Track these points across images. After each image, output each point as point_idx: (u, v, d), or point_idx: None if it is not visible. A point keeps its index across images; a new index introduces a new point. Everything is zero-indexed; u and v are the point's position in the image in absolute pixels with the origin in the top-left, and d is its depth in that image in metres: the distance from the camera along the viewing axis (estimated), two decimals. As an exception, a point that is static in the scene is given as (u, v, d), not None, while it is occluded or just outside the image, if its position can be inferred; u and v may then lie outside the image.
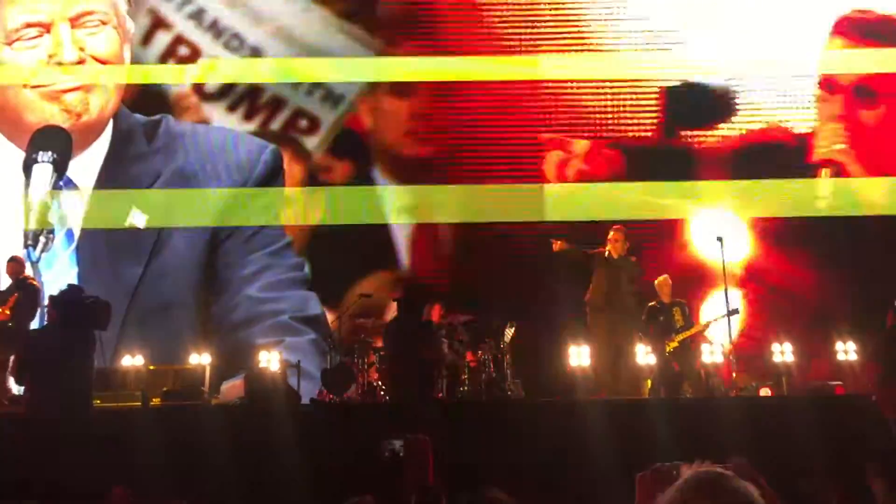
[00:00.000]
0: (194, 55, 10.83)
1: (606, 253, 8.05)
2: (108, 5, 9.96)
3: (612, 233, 8.21)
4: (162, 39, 10.77)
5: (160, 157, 10.16)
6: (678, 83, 10.74)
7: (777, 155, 10.47)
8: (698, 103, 10.68)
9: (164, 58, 10.79)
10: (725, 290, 7.83)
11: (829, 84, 10.68)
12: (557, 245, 8.20)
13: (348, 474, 5.48)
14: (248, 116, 10.87)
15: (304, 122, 10.87)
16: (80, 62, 9.86)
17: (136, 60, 10.59)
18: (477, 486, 3.43)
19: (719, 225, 9.52)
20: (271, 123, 10.90)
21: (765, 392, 7.62)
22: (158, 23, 10.73)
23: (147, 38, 10.66)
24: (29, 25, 9.72)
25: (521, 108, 10.83)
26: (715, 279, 8.85)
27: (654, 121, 10.77)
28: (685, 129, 10.73)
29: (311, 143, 10.84)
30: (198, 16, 10.85)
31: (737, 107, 10.68)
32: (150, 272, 9.75)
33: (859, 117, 10.63)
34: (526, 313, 8.73)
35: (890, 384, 5.96)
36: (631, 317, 7.98)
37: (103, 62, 9.99)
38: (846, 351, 7.46)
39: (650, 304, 8.16)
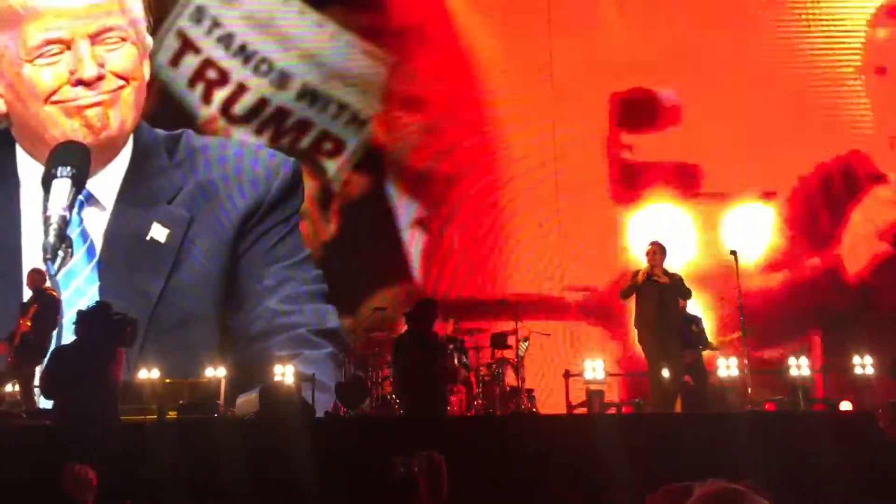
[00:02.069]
0: (223, 79, 10.96)
1: (650, 271, 7.76)
2: (127, 22, 10.08)
3: (649, 247, 7.92)
4: (190, 62, 10.91)
5: (181, 171, 10.24)
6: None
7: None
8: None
9: (193, 81, 10.93)
10: (741, 306, 7.79)
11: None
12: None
13: (362, 489, 5.48)
14: (274, 140, 10.99)
15: (328, 145, 10.97)
16: (101, 78, 9.96)
17: (164, 81, 10.72)
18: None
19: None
20: (298, 146, 11.02)
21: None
22: (187, 46, 10.87)
23: (176, 61, 10.79)
24: (49, 42, 9.84)
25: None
26: None
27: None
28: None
29: (333, 166, 10.93)
30: (226, 40, 10.97)
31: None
32: (170, 286, 9.81)
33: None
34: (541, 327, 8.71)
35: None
36: (680, 334, 7.78)
37: (124, 78, 10.10)
38: (863, 365, 7.38)
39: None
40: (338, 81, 11.04)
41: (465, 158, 10.91)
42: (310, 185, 10.69)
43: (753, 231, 10.50)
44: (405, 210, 10.88)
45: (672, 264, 7.98)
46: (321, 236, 10.77)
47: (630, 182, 10.85)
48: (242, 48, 10.96)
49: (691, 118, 10.91)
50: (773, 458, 5.48)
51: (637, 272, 7.87)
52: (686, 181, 10.79)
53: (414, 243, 10.77)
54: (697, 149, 10.87)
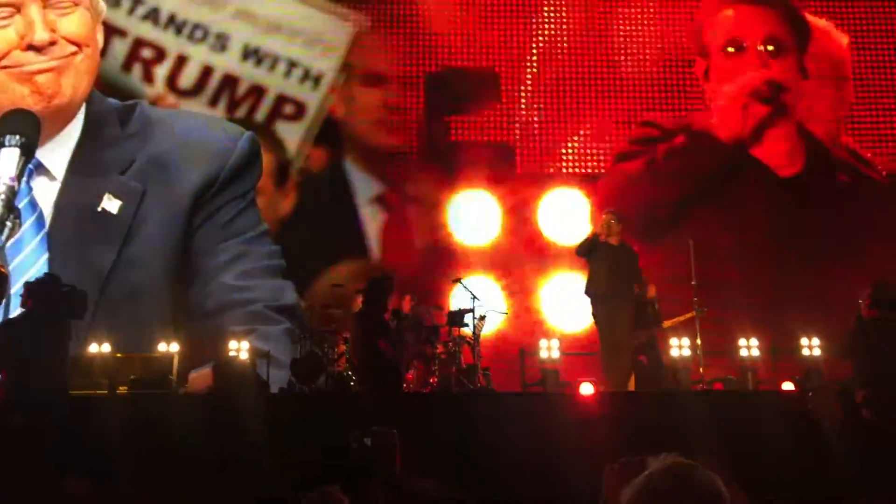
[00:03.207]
0: (160, 55, 10.70)
1: (604, 237, 7.61)
2: (80, -14, 9.81)
3: (605, 216, 7.74)
4: (119, 47, 10.61)
5: (134, 143, 10.03)
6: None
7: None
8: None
9: (128, 64, 10.65)
10: (695, 287, 7.89)
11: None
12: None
13: (316, 465, 5.47)
14: (230, 110, 10.79)
15: (289, 108, 10.79)
16: (52, 43, 9.68)
17: (99, 72, 10.42)
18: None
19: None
20: (256, 114, 10.83)
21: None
22: (110, 31, 10.56)
23: (103, 51, 10.49)
24: (-1, 6, 9.55)
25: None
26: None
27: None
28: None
29: (298, 131, 10.75)
30: (152, 16, 10.70)
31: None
32: (122, 259, 9.63)
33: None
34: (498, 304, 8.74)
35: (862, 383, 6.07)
36: (632, 305, 7.57)
37: (76, 43, 9.83)
38: (811, 347, 7.53)
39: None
40: (279, 35, 10.83)
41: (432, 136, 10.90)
42: (266, 160, 10.55)
43: (569, 215, 10.64)
44: (363, 186, 10.82)
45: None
46: (278, 212, 10.66)
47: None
48: (171, 19, 10.71)
49: (511, 98, 10.92)
50: (722, 436, 5.61)
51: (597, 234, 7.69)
52: (504, 162, 10.82)
53: (372, 220, 10.72)
54: (516, 129, 10.90)
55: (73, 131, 9.96)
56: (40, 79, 9.67)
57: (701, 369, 7.75)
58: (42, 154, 9.67)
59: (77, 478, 4.02)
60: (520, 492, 5.71)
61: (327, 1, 10.90)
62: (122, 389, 7.10)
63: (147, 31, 10.68)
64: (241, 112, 10.82)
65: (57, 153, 9.83)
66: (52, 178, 9.79)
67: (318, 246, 10.24)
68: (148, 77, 10.71)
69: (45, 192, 9.74)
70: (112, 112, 10.09)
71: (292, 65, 10.77)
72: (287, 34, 10.81)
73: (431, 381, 7.63)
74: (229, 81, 10.78)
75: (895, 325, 6.36)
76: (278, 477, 5.66)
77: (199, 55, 10.76)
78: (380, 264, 10.44)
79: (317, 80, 10.82)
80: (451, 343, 7.89)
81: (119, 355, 7.95)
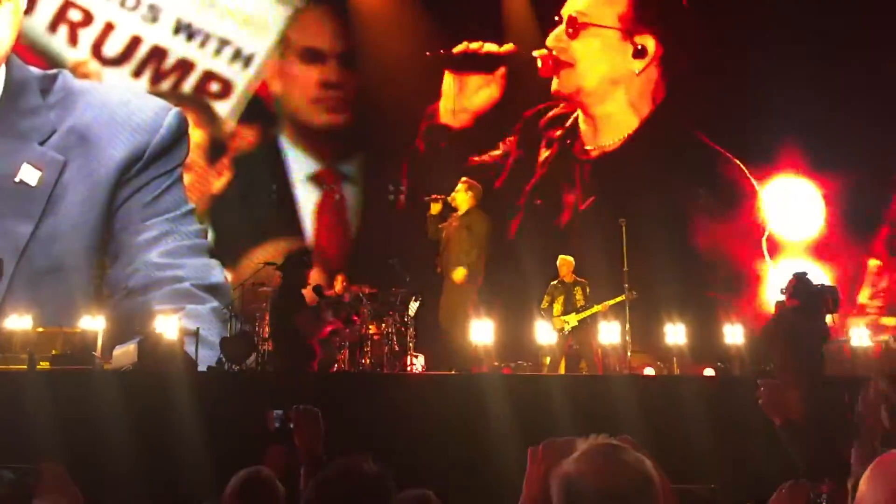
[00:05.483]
0: (88, 19, 10.36)
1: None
2: (2, -61, 9.40)
3: (458, 185, 7.59)
4: (47, 6, 10.23)
5: (56, 113, 9.71)
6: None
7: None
8: None
9: (54, 25, 10.28)
10: (625, 271, 7.98)
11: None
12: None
13: (240, 443, 5.39)
14: (155, 81, 10.50)
15: (215, 86, 10.57)
16: (-30, 2, 9.28)
17: (23, 31, 10.01)
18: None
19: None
20: (181, 88, 10.57)
21: (648, 371, 7.93)
22: None
23: (30, 6, 10.10)
24: (-87, -38, 9.08)
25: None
26: None
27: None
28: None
29: (224, 108, 10.55)
30: None
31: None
32: (40, 232, 9.34)
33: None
34: (431, 286, 8.72)
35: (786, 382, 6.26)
36: (460, 284, 7.50)
37: (-6, 3, 9.44)
38: (734, 335, 7.73)
39: (552, 282, 8.29)
40: (213, 11, 10.60)
41: (367, 115, 10.79)
42: (198, 135, 10.33)
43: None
44: (299, 164, 10.70)
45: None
46: (210, 188, 10.47)
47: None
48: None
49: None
50: (648, 418, 5.74)
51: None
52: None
53: (307, 198, 10.62)
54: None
55: (-10, 96, 9.60)
56: (-44, 38, 9.27)
57: (629, 353, 7.89)
58: (-44, 119, 9.29)
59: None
60: (446, 471, 5.72)
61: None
62: (44, 365, 6.86)
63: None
64: (165, 85, 10.53)
65: (-28, 119, 9.46)
66: (-33, 144, 9.41)
67: (252, 223, 10.10)
68: (73, 40, 10.35)
69: (-41, 160, 9.36)
70: (33, 80, 9.75)
71: (224, 43, 10.57)
72: (220, 11, 10.59)
73: (364, 361, 7.59)
74: (157, 53, 10.50)
75: (814, 315, 6.58)
76: (203, 455, 5.56)
77: (129, 23, 10.44)
78: (313, 243, 10.34)
79: (247, 61, 10.65)
80: (383, 324, 7.85)
81: (41, 330, 7.70)
